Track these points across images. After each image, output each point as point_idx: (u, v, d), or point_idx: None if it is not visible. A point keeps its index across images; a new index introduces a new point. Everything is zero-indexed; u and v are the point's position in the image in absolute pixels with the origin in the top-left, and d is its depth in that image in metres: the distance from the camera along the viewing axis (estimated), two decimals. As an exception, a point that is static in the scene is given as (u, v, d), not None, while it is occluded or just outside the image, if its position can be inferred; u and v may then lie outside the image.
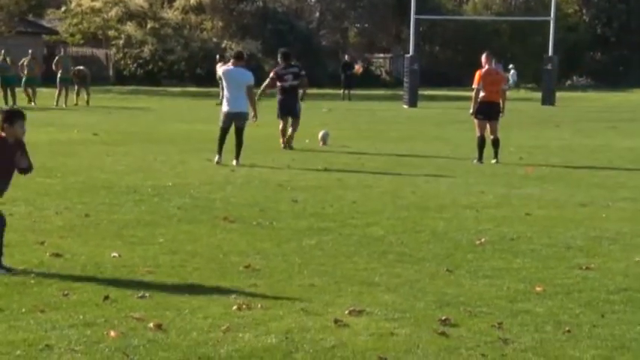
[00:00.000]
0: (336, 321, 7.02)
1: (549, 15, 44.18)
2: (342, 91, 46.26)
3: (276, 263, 9.05)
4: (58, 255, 9.10)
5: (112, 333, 6.62)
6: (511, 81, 59.36)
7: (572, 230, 11.06)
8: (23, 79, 36.11)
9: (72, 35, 61.45)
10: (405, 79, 42.80)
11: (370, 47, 66.84)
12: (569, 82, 67.30)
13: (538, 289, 8.19)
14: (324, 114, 34.19)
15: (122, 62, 59.67)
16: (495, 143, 18.53)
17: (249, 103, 17.38)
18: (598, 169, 17.75)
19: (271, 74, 20.74)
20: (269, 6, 61.04)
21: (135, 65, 59.25)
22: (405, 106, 40.79)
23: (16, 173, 8.98)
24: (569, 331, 6.94)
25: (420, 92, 42.98)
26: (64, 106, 35.30)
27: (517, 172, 17.08)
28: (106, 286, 7.98)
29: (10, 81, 35.52)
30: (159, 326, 6.80)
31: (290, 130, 20.34)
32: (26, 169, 8.98)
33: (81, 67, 37.39)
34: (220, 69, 18.07)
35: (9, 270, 8.40)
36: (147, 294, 7.73)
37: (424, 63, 52.54)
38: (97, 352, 6.26)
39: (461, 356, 6.35)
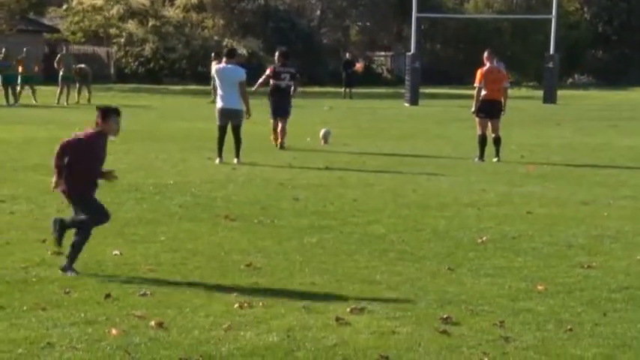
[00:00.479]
0: (337, 319, 7.02)
1: (551, 13, 44.15)
2: (343, 90, 46.22)
3: (278, 261, 9.05)
4: (59, 253, 9.08)
5: (114, 331, 6.63)
6: None
7: (573, 229, 11.06)
8: (19, 78, 35.97)
9: (73, 33, 61.40)
10: (407, 78, 42.77)
11: (371, 45, 66.78)
12: (570, 80, 67.24)
13: (539, 287, 8.19)
14: (326, 112, 34.19)
15: (123, 60, 59.63)
16: (497, 141, 18.50)
17: (242, 98, 17.37)
18: (599, 167, 17.74)
19: (267, 71, 20.62)
20: (270, 4, 61.00)
21: (136, 63, 59.21)
22: (407, 105, 40.77)
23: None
24: (570, 329, 6.94)
25: (422, 90, 42.95)
26: (65, 104, 35.29)
27: (518, 170, 17.07)
28: (108, 284, 7.98)
29: (11, 79, 35.49)
30: (160, 324, 6.80)
31: (279, 128, 20.14)
32: None
33: (82, 65, 37.38)
34: (214, 67, 18.07)
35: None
36: (148, 292, 7.73)
37: (425, 61, 52.49)
38: (98, 350, 6.26)
39: (462, 355, 6.34)
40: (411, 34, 43.89)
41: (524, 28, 62.32)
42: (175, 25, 59.15)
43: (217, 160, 17.09)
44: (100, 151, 8.68)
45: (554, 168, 17.46)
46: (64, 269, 8.37)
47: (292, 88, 20.42)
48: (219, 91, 17.58)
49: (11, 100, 35.02)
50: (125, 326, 6.77)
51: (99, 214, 8.59)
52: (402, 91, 44.61)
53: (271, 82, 20.22)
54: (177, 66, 57.94)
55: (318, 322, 6.99)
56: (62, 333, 6.59)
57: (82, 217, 8.56)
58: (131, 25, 59.04)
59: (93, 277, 8.26)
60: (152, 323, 6.82)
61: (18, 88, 35.64)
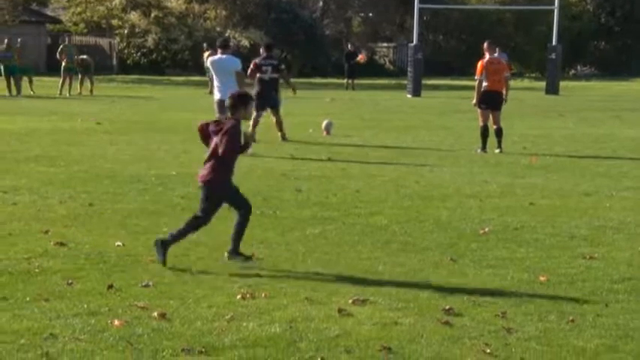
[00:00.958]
0: (340, 310, 7.03)
1: (553, 4, 44.06)
2: (345, 81, 46.17)
3: (280, 252, 9.05)
4: (62, 244, 9.11)
5: (116, 322, 6.64)
6: None
7: (576, 220, 11.06)
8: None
9: (75, 24, 61.35)
10: (409, 69, 42.71)
11: (374, 36, 66.66)
12: (573, 71, 67.15)
13: (542, 278, 8.19)
14: (328, 104, 34.17)
15: (126, 51, 59.59)
16: (498, 133, 18.47)
17: (239, 88, 17.32)
18: (602, 158, 17.73)
19: (251, 65, 20.44)
20: (273, -5, 60.96)
21: (138, 54, 59.19)
22: (409, 96, 40.72)
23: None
24: (572, 320, 6.94)
25: (424, 82, 42.90)
26: (67, 95, 35.29)
27: (521, 161, 17.06)
28: (110, 275, 7.99)
29: (14, 70, 35.49)
30: (163, 315, 6.81)
31: (274, 122, 19.96)
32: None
33: (84, 56, 37.35)
34: (208, 59, 18.00)
35: (247, 258, 8.47)
36: (151, 283, 7.75)
37: (428, 52, 52.46)
38: (101, 340, 6.28)
39: (464, 345, 6.35)
40: (413, 25, 43.82)
41: (527, 19, 62.19)
42: (178, 16, 59.09)
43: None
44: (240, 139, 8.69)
45: (556, 159, 17.45)
46: (231, 254, 8.47)
47: (279, 79, 20.08)
48: (215, 83, 17.57)
49: (13, 91, 35.01)
50: (128, 317, 6.78)
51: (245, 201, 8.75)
52: (405, 82, 44.55)
53: (257, 75, 19.98)
54: (179, 57, 57.90)
55: (320, 313, 7.00)
56: (65, 324, 6.61)
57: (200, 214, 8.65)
58: (133, 16, 59.00)
59: (95, 268, 8.27)
60: (155, 314, 6.83)
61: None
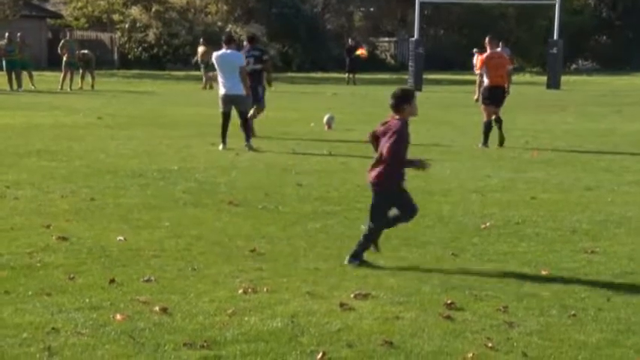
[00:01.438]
0: (341, 305, 7.03)
1: (555, -2, 44.03)
2: (346, 75, 46.17)
3: (282, 247, 9.06)
4: (63, 238, 9.12)
5: (118, 316, 6.64)
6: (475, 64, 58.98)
7: (577, 214, 11.06)
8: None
9: (76, 19, 61.40)
10: (410, 63, 42.72)
11: (375, 31, 66.67)
12: (574, 65, 67.15)
13: (543, 272, 8.20)
14: (329, 98, 34.17)
15: (127, 46, 59.62)
16: (497, 120, 18.26)
17: (241, 82, 17.29)
18: (603, 152, 17.72)
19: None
20: (274, -11, 60.95)
21: (139, 49, 59.21)
22: (410, 90, 40.67)
23: None
24: (574, 314, 6.95)
25: (425, 76, 42.90)
26: (68, 89, 35.30)
27: (523, 156, 17.06)
28: (112, 270, 8.00)
29: (15, 65, 35.51)
30: (164, 310, 6.81)
31: (253, 112, 19.77)
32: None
33: (85, 51, 37.37)
34: (213, 54, 17.88)
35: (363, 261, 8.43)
36: (152, 277, 7.75)
37: (429, 47, 52.43)
38: (103, 335, 6.28)
39: (466, 340, 6.35)
40: (414, 20, 43.80)
41: (528, 14, 62.17)
42: (179, 11, 59.10)
43: (221, 146, 17.08)
44: (409, 138, 8.55)
45: (558, 154, 17.44)
46: (353, 257, 8.39)
47: (262, 71, 19.68)
48: (220, 78, 17.52)
49: (15, 85, 35.02)
50: (129, 311, 6.79)
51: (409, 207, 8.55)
52: (406, 76, 44.56)
53: None
54: (180, 52, 57.91)
55: (322, 307, 7.00)
56: (67, 318, 6.61)
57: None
58: (134, 11, 59.03)
59: (97, 262, 8.28)
60: (156, 308, 6.84)
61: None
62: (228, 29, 55.84)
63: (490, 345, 6.23)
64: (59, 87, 35.60)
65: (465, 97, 35.57)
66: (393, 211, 8.65)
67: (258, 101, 19.28)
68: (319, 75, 52.57)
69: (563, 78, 45.42)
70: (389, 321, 6.72)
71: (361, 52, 46.75)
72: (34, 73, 37.09)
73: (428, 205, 11.51)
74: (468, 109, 28.21)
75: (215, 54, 17.85)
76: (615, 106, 31.10)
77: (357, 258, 8.40)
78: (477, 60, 18.94)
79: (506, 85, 18.58)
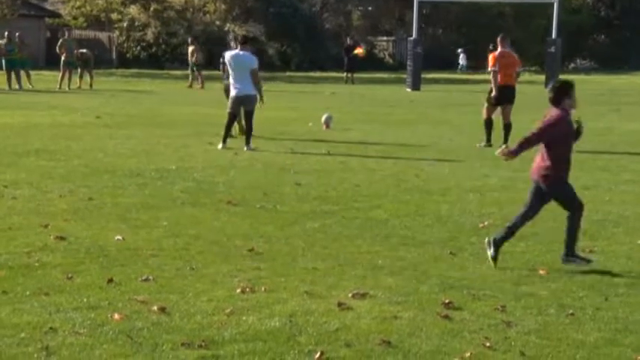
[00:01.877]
0: (339, 304, 7.04)
1: (553, -3, 44.01)
2: (344, 75, 46.16)
3: (280, 246, 9.06)
4: (62, 238, 9.12)
5: (116, 316, 6.64)
6: (461, 64, 58.74)
7: (575, 213, 11.04)
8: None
9: (75, 18, 61.32)
10: (409, 62, 42.68)
11: (373, 30, 66.63)
12: (572, 64, 67.15)
13: (541, 272, 8.20)
14: (328, 97, 34.16)
15: (125, 45, 59.57)
16: (507, 127, 18.00)
17: (254, 86, 17.28)
18: (601, 152, 17.72)
19: (221, 59, 20.02)
20: (272, -11, 60.92)
21: (138, 48, 59.16)
22: (408, 90, 40.71)
23: None
24: (572, 314, 6.95)
25: (423, 75, 42.89)
26: (67, 89, 35.26)
27: (521, 155, 16.99)
28: (110, 269, 8.00)
29: (15, 64, 35.49)
30: (163, 309, 6.82)
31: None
32: None
33: (84, 50, 37.33)
34: (226, 53, 17.85)
35: (583, 259, 8.39)
36: (150, 277, 7.75)
37: (427, 46, 52.42)
38: (101, 334, 6.28)
39: (464, 339, 6.36)
40: (412, 19, 43.78)
41: (527, 13, 62.14)
42: (177, 10, 59.05)
43: (220, 145, 17.06)
44: (569, 129, 8.51)
45: (556, 153, 17.39)
46: (567, 257, 8.36)
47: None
48: (231, 79, 17.44)
49: (15, 85, 35.00)
50: (127, 311, 6.79)
51: (576, 200, 8.53)
52: (404, 76, 44.53)
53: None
54: (179, 51, 57.85)
55: (320, 307, 7.01)
56: (65, 318, 6.61)
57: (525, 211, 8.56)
58: (133, 10, 58.95)
59: (95, 262, 8.28)
60: (154, 308, 6.84)
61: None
62: (226, 28, 55.91)
63: (488, 344, 6.24)
64: (57, 86, 35.56)
65: (464, 97, 35.59)
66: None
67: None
68: (317, 74, 52.54)
69: (562, 77, 45.40)
70: (387, 320, 6.73)
71: (359, 51, 46.73)
72: (32, 73, 37.05)
73: (426, 205, 11.53)
74: (466, 109, 28.23)
75: (228, 53, 17.77)
76: (613, 105, 31.12)
77: (573, 256, 8.35)
78: (490, 57, 18.70)
79: (514, 84, 18.32)
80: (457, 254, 8.87)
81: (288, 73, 52.47)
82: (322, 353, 6.01)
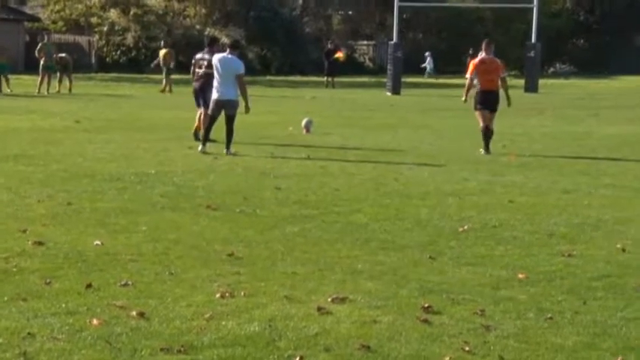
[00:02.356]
0: (319, 309, 7.03)
1: (532, 2, 44.19)
2: (325, 79, 46.19)
3: (259, 251, 9.04)
4: (40, 243, 9.07)
5: (95, 321, 6.61)
6: (428, 69, 58.85)
7: (554, 217, 11.10)
8: None
9: (54, 22, 61.13)
10: (389, 67, 42.76)
11: (354, 34, 66.71)
12: (552, 69, 67.39)
13: (520, 276, 8.22)
14: (308, 101, 34.17)
15: (105, 49, 59.41)
16: (488, 133, 17.98)
17: (239, 92, 17.25)
18: (580, 156, 17.80)
19: (192, 60, 19.95)
20: (252, -7, 60.90)
21: (118, 52, 59.02)
22: (389, 94, 40.78)
23: None
24: (551, 317, 6.97)
25: (403, 79, 42.98)
26: (46, 93, 35.11)
27: (500, 159, 17.11)
28: (89, 275, 7.96)
29: (4, 69, 35.44)
30: (142, 314, 6.79)
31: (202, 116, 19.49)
32: None
33: (63, 55, 37.18)
34: (214, 56, 17.78)
35: None
36: (129, 282, 7.72)
37: (407, 50, 52.51)
38: (79, 340, 6.25)
39: (443, 343, 6.36)
40: (393, 23, 43.85)
41: (506, 17, 62.34)
42: (157, 14, 58.95)
43: (200, 147, 17.03)
44: None
45: (535, 157, 17.50)
46: None
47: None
48: (215, 82, 17.37)
49: (6, 89, 34.97)
50: (106, 316, 6.76)
51: None
52: (384, 80, 44.61)
53: (196, 70, 19.45)
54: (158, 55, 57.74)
55: (299, 311, 7.00)
56: (43, 323, 6.58)
57: None
58: (113, 14, 58.80)
59: (74, 267, 8.24)
60: (133, 313, 6.81)
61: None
62: (206, 32, 55.79)
63: (467, 349, 6.25)
64: (36, 91, 35.41)
65: (443, 101, 35.67)
66: None
67: (208, 106, 18.98)
68: (298, 78, 52.56)
69: (541, 81, 45.60)
70: (366, 325, 6.72)
71: (340, 55, 46.77)
72: (11, 77, 36.91)
73: (406, 209, 11.54)
74: (446, 113, 28.31)
75: (217, 56, 17.67)
76: (592, 110, 31.26)
77: None
78: (469, 64, 18.68)
79: (498, 91, 18.23)
80: (436, 258, 8.87)
81: (268, 77, 52.47)
82: (302, 358, 6.00)
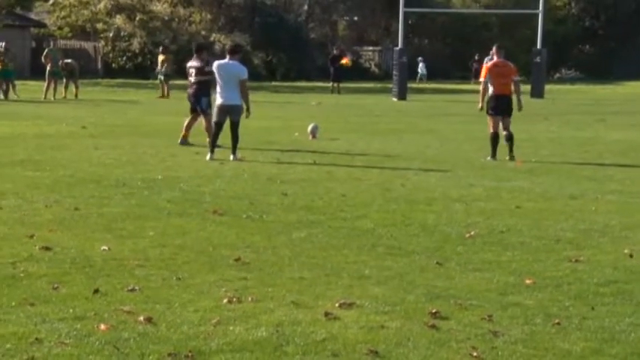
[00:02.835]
0: (326, 314, 7.02)
1: (538, 8, 44.20)
2: (330, 85, 46.21)
3: (266, 256, 9.04)
4: (47, 248, 9.08)
5: (102, 326, 6.62)
6: (420, 74, 58.85)
7: (561, 223, 11.09)
8: None
9: (60, 28, 61.24)
10: (394, 72, 42.79)
11: (359, 40, 66.77)
12: (557, 74, 67.38)
13: (528, 281, 8.20)
14: (314, 107, 34.18)
15: (111, 55, 59.51)
16: (508, 138, 17.85)
17: (242, 97, 17.27)
18: (587, 161, 17.78)
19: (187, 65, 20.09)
20: (258, -1, 61.01)
21: (124, 58, 59.11)
22: (394, 99, 40.80)
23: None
24: (558, 323, 6.95)
25: (409, 85, 42.97)
26: (52, 99, 35.19)
27: (507, 165, 17.10)
28: (96, 280, 7.97)
29: (10, 74, 35.47)
30: (149, 319, 6.79)
31: (186, 122, 19.68)
32: None
33: (69, 60, 37.26)
34: (214, 63, 17.82)
35: None
36: (137, 287, 7.72)
37: (413, 56, 52.52)
38: (87, 345, 6.25)
39: (451, 349, 6.35)
40: (398, 29, 43.87)
41: (512, 23, 62.42)
42: (163, 20, 59.03)
43: (208, 156, 17.04)
44: None
45: (542, 162, 17.49)
46: None
47: (204, 82, 19.23)
48: (217, 88, 17.41)
49: (13, 95, 35.01)
50: (114, 321, 6.76)
51: None
52: (390, 85, 44.63)
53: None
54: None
55: (307, 316, 6.99)
56: (51, 328, 6.58)
57: None
58: (118, 20, 58.90)
59: (81, 272, 8.24)
60: (141, 318, 6.81)
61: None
62: (211, 38, 55.88)
63: (475, 354, 6.24)
64: (43, 96, 35.48)
65: (449, 106, 35.67)
66: None
67: (203, 110, 19.12)
68: (303, 84, 52.59)
69: (547, 87, 45.59)
70: (374, 330, 6.72)
71: (346, 61, 46.82)
72: (18, 83, 36.97)
73: (412, 214, 11.53)
74: (452, 118, 28.31)
75: (217, 62, 17.71)
76: (599, 115, 31.23)
77: None
78: (483, 68, 18.62)
79: (512, 96, 18.19)
80: (444, 264, 8.86)
81: (273, 83, 52.52)
82: (309, 363, 6.00)
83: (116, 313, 6.97)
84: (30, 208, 11.42)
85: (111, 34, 59.27)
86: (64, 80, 36.64)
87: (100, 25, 59.99)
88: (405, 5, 42.42)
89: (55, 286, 7.72)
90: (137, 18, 58.69)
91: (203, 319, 6.86)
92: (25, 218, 10.77)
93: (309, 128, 21.70)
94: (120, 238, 9.77)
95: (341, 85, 45.66)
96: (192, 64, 19.50)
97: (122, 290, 7.64)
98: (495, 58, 18.46)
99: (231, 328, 6.68)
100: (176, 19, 59.53)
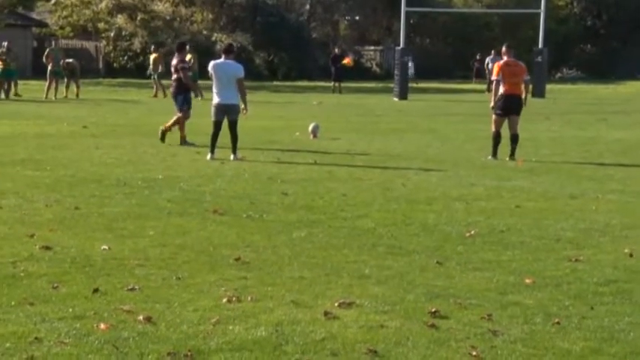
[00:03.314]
0: (326, 313, 7.03)
1: (539, 7, 44.18)
2: (332, 84, 46.20)
3: (266, 256, 9.04)
4: (47, 248, 9.09)
5: (102, 326, 6.62)
6: (409, 73, 58.76)
7: (562, 222, 11.09)
8: None
9: (62, 28, 61.26)
10: (396, 72, 42.76)
11: (361, 40, 66.76)
12: (559, 74, 67.34)
13: (528, 281, 8.21)
14: (315, 107, 34.18)
15: (112, 55, 59.53)
16: (514, 139, 17.85)
17: (239, 95, 17.29)
18: (588, 161, 17.77)
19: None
20: (259, -2, 60.98)
21: (125, 58, 59.12)
22: (396, 99, 40.79)
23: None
24: (558, 322, 6.96)
25: (411, 85, 42.95)
26: (53, 98, 35.20)
27: (507, 164, 17.10)
28: (96, 279, 7.97)
29: (13, 74, 35.50)
30: (149, 319, 6.79)
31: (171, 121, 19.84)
32: None
33: (70, 60, 37.27)
34: (210, 63, 17.84)
35: None
36: (137, 287, 7.73)
37: (414, 55, 52.49)
38: (86, 344, 6.26)
39: (450, 348, 6.36)
40: (400, 29, 43.85)
41: (513, 23, 62.36)
42: (164, 20, 59.03)
43: (209, 156, 17.04)
44: None
45: (542, 162, 17.49)
46: None
47: (182, 80, 19.57)
48: (214, 87, 17.43)
49: (14, 93, 35.06)
50: (113, 321, 6.76)
51: None
52: (391, 85, 44.61)
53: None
54: (166, 61, 57.79)
55: (306, 316, 7.00)
56: (50, 328, 6.59)
57: None
58: (120, 20, 58.91)
59: (81, 271, 8.25)
60: (140, 318, 6.82)
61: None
62: (213, 38, 55.88)
63: (474, 353, 6.24)
64: (44, 96, 35.50)
65: (450, 106, 35.67)
66: None
67: (180, 108, 19.54)
68: (305, 84, 52.58)
69: (548, 86, 45.58)
70: (373, 330, 6.72)
71: (347, 61, 46.79)
72: (19, 82, 37.00)
73: (413, 214, 11.54)
74: (453, 118, 28.31)
75: (213, 62, 17.73)
76: (600, 115, 31.22)
77: None
78: (494, 66, 18.55)
79: (522, 94, 18.19)
80: (444, 263, 8.87)
81: (275, 83, 52.52)
82: (308, 363, 6.00)
83: (116, 313, 6.97)
84: (30, 208, 11.43)
85: (112, 34, 59.28)
86: (65, 80, 36.66)
87: (101, 25, 59.99)
88: (407, 5, 42.39)
89: (55, 285, 7.72)
90: (138, 17, 58.70)
91: (202, 319, 6.87)
92: (26, 218, 10.78)
93: (310, 128, 21.71)
94: (120, 237, 9.77)
95: (342, 84, 45.65)
96: (173, 62, 19.73)
97: (122, 290, 7.65)
98: (506, 58, 18.31)
99: (230, 327, 6.69)
100: (178, 19, 59.51)
